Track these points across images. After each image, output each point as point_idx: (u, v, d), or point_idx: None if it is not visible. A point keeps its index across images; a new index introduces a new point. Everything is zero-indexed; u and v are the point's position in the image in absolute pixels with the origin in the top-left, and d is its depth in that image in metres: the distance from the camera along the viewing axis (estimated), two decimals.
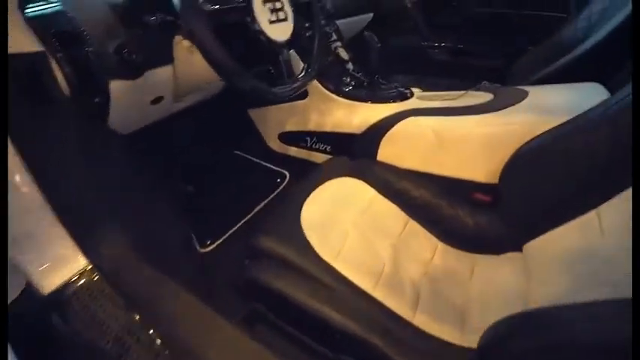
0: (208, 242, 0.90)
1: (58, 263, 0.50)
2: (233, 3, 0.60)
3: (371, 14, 1.50)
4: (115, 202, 0.63)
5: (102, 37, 0.56)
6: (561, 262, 0.56)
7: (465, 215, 0.74)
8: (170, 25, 0.57)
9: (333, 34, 1.01)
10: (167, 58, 0.66)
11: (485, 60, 1.48)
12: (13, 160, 0.45)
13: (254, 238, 0.63)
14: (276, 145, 1.09)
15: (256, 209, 1.00)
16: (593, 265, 0.49)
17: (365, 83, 0.95)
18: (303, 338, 0.58)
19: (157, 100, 0.74)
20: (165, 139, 0.99)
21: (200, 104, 0.95)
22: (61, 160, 0.54)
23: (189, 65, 0.68)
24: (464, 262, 0.69)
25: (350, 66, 0.99)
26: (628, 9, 0.85)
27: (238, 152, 1.21)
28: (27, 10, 0.54)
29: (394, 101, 0.90)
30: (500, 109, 0.76)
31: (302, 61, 0.84)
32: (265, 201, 1.02)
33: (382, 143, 0.85)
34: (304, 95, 0.96)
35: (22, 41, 0.49)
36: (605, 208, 0.53)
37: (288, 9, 0.68)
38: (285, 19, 0.67)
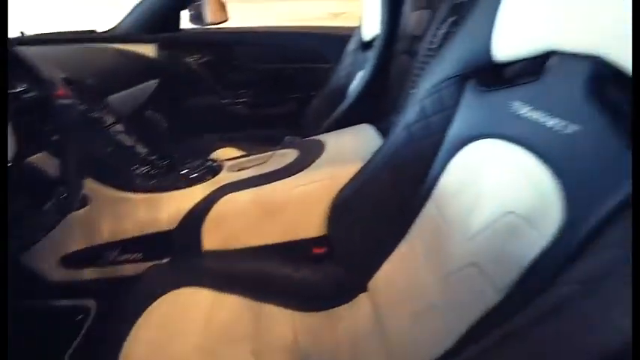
0: None
1: None
2: None
3: (155, 81, 1.36)
4: None
5: None
6: (399, 291, 0.62)
7: (312, 274, 0.74)
8: None
9: (106, 116, 0.82)
10: None
11: (281, 108, 1.61)
12: None
13: None
14: (58, 273, 0.79)
15: None
16: (423, 287, 0.56)
17: (164, 168, 0.82)
18: None
19: None
20: None
21: None
22: None
23: None
24: (326, 325, 0.66)
25: (140, 150, 0.83)
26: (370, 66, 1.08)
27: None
28: None
29: (204, 180, 0.81)
30: (307, 166, 0.80)
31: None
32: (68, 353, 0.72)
33: (204, 231, 0.74)
34: (84, 203, 0.73)
35: None
36: (414, 231, 0.62)
37: None
38: None
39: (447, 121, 0.58)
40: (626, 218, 0.33)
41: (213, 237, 0.75)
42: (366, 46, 1.20)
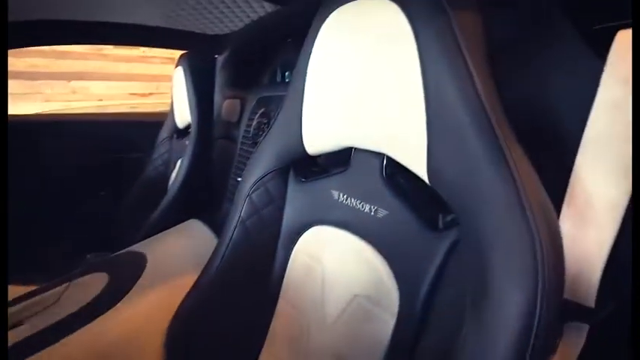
0: None
1: None
2: None
3: None
4: None
5: None
6: None
7: None
8: None
9: None
10: None
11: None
12: None
13: None
14: None
15: None
16: None
17: None
18: None
19: None
20: None
21: None
22: None
23: None
24: None
25: None
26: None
27: None
28: None
29: None
30: (122, 298, 0.60)
31: None
32: None
33: None
34: None
35: None
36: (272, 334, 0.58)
37: None
38: None
39: (279, 212, 0.57)
40: (447, 287, 0.38)
41: None
42: (181, 133, 1.13)
